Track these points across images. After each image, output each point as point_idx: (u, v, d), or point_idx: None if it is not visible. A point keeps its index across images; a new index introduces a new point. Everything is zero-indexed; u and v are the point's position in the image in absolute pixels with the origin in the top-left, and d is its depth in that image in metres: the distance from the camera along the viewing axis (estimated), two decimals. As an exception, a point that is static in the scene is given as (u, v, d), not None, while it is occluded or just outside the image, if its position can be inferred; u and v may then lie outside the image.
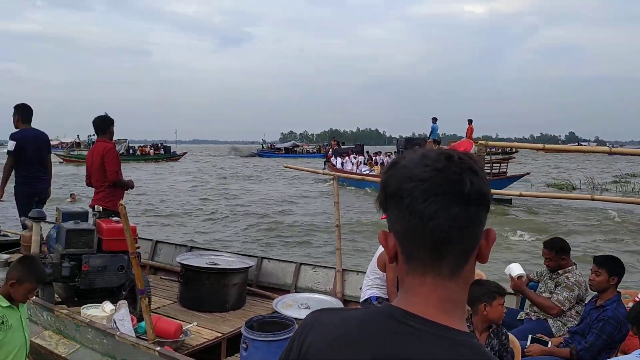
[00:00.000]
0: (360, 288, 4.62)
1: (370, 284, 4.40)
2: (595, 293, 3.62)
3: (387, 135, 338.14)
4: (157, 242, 6.35)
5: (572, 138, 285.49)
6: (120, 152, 50.09)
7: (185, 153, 60.30)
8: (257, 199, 19.62)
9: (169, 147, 59.83)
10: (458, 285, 0.83)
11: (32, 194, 6.06)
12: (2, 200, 6.16)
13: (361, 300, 4.48)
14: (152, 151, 54.47)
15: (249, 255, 5.79)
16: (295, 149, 72.08)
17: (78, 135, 63.27)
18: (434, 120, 21.92)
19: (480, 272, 4.01)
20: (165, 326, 3.78)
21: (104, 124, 5.55)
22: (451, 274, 0.82)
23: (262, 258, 5.68)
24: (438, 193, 0.79)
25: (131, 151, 52.49)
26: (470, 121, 20.97)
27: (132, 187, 5.71)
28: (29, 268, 2.71)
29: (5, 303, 2.62)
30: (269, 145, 76.03)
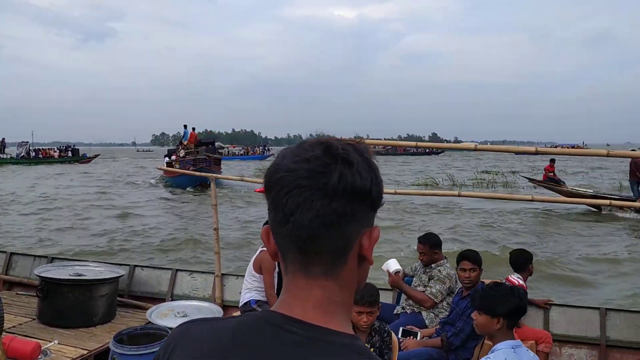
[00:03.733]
0: (240, 292, 4.52)
1: (248, 287, 4.33)
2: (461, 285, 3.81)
3: (263, 136, 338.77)
4: (12, 253, 5.72)
5: (434, 139, 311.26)
6: (22, 154, 47.09)
7: (97, 155, 56.94)
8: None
9: (78, 149, 54.98)
10: (338, 286, 0.76)
11: None
12: None
13: (240, 304, 4.38)
14: (57, 154, 51.05)
15: (120, 264, 5.41)
16: (220, 151, 56.99)
17: None
18: (185, 126, 26.13)
19: None
20: (19, 346, 3.39)
21: None
22: (325, 274, 0.75)
23: (135, 266, 5.35)
24: (301, 185, 0.72)
25: (33, 154, 48.59)
26: (193, 128, 26.10)
27: None
28: None
29: None
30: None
